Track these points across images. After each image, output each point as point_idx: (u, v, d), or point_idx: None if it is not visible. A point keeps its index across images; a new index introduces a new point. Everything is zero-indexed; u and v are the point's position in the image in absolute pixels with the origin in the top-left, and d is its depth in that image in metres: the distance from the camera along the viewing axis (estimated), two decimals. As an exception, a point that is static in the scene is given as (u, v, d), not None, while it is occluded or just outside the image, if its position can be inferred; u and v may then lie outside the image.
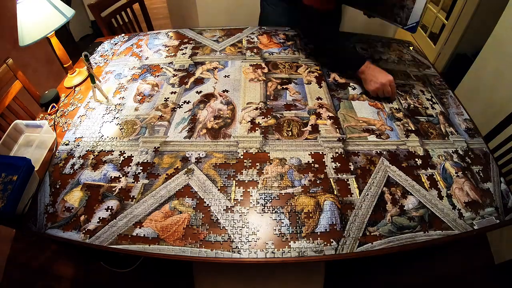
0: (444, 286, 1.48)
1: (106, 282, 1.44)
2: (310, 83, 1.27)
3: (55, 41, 1.23)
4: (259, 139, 1.04)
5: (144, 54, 1.44)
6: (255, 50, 1.44)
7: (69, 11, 1.20)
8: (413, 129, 1.10)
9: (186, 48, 1.47)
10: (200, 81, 1.27)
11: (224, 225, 0.83)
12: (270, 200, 0.88)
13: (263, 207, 0.86)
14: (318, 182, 0.92)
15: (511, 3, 1.52)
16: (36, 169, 0.91)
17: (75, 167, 0.97)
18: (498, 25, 1.62)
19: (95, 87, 1.17)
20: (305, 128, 1.08)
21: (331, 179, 0.93)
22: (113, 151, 1.01)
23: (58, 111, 1.18)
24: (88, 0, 2.90)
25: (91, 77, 1.14)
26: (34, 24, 1.10)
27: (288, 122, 1.10)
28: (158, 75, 1.31)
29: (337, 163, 0.97)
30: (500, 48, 1.60)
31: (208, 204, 0.87)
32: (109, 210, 0.86)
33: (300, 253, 0.78)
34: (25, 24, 1.09)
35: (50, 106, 1.18)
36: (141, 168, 0.96)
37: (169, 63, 1.37)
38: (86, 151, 1.02)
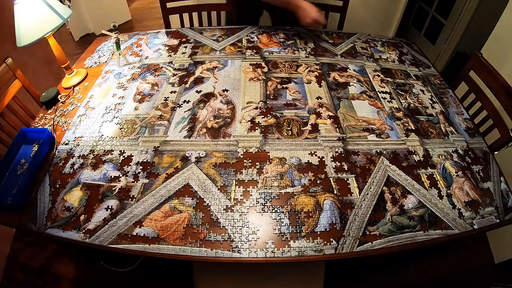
0: (444, 286, 1.48)
1: (106, 282, 1.44)
2: (310, 83, 1.27)
3: (52, 42, 1.22)
4: (259, 138, 1.04)
5: (144, 53, 1.44)
6: (255, 50, 1.44)
7: (66, 12, 1.18)
8: (413, 128, 1.10)
9: (186, 47, 1.47)
10: (200, 80, 1.27)
11: (224, 225, 0.83)
12: (270, 200, 0.88)
13: (263, 207, 0.86)
14: (318, 181, 0.92)
15: (511, 3, 1.52)
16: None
17: (75, 166, 0.97)
18: (498, 25, 1.61)
19: (120, 54, 1.34)
20: (305, 128, 1.08)
21: (331, 179, 0.93)
22: (113, 151, 1.01)
23: (58, 111, 1.17)
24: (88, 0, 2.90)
25: (117, 45, 1.32)
26: (31, 25, 1.09)
27: (288, 121, 1.10)
28: (158, 75, 1.31)
29: (336, 162, 0.97)
30: (500, 48, 1.60)
31: (208, 204, 0.87)
32: (109, 210, 0.86)
33: (300, 253, 0.78)
34: (22, 25, 1.08)
35: (59, 96, 1.22)
36: (141, 167, 0.96)
37: (169, 63, 1.37)
38: (86, 150, 1.02)
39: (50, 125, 1.11)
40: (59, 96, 1.22)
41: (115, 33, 1.29)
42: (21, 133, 1.03)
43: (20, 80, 1.20)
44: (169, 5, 1.66)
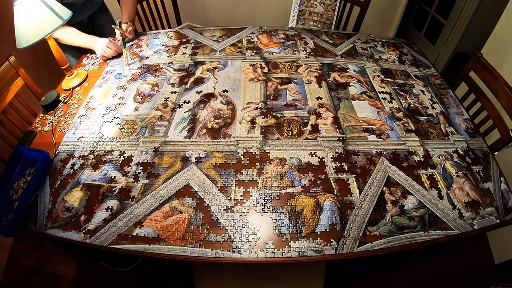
0: (444, 286, 1.48)
1: (106, 282, 1.44)
2: (310, 83, 1.27)
3: (52, 43, 1.22)
4: (259, 139, 1.04)
5: (144, 54, 1.44)
6: (255, 50, 1.44)
7: (66, 13, 1.18)
8: (413, 129, 1.10)
9: (186, 47, 1.47)
10: (200, 81, 1.27)
11: (224, 225, 0.83)
12: (270, 200, 0.88)
13: (263, 207, 0.86)
14: (318, 182, 0.92)
15: (511, 4, 1.52)
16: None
17: (75, 167, 0.97)
18: (498, 25, 1.62)
19: (126, 51, 1.36)
20: (305, 128, 1.08)
21: (331, 179, 0.93)
22: (113, 151, 1.01)
23: (58, 112, 1.17)
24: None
25: (123, 43, 1.34)
26: (31, 27, 1.08)
27: (288, 122, 1.10)
28: (158, 75, 1.31)
29: (336, 162, 0.97)
30: (500, 48, 1.60)
31: (208, 204, 0.87)
32: (109, 210, 0.86)
33: (300, 253, 0.78)
34: (21, 27, 1.08)
35: (61, 98, 1.21)
36: (141, 168, 0.96)
37: (169, 63, 1.37)
38: (86, 151, 1.02)
39: (49, 125, 1.11)
40: (60, 97, 1.21)
41: (121, 29, 1.31)
42: (18, 153, 0.94)
43: (23, 78, 1.21)
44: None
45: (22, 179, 0.91)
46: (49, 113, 1.18)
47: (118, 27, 1.31)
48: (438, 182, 0.95)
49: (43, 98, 1.21)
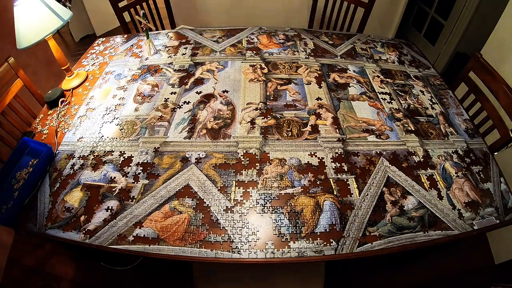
0: (444, 286, 1.47)
1: (106, 282, 1.44)
2: (310, 83, 1.27)
3: (52, 44, 1.22)
4: (259, 139, 1.04)
5: (144, 54, 1.44)
6: (255, 51, 1.44)
7: (66, 14, 1.18)
8: (413, 129, 1.10)
9: (186, 48, 1.47)
10: (200, 81, 1.27)
11: (224, 225, 0.83)
12: (270, 200, 0.88)
13: (262, 208, 0.86)
14: (318, 182, 0.92)
15: (510, 4, 1.53)
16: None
17: (75, 167, 0.97)
18: (498, 25, 1.62)
19: (149, 43, 1.38)
20: (305, 129, 1.08)
21: (330, 179, 0.93)
22: (113, 152, 1.01)
23: (59, 110, 1.17)
24: (88, 0, 2.91)
25: (147, 33, 1.36)
26: (31, 27, 1.09)
27: (288, 122, 1.10)
28: (158, 76, 1.31)
29: (336, 163, 0.97)
30: (500, 49, 1.60)
31: (208, 205, 0.87)
32: (109, 211, 0.86)
33: (300, 253, 0.78)
34: (21, 27, 1.08)
35: (60, 101, 1.19)
36: (141, 168, 0.96)
37: (169, 64, 1.37)
38: (86, 151, 1.02)
39: (52, 125, 1.11)
40: (60, 100, 1.21)
41: (145, 20, 1.31)
42: (23, 143, 0.97)
43: (22, 79, 1.21)
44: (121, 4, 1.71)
45: (24, 170, 0.92)
46: (49, 112, 1.18)
47: (142, 18, 1.32)
48: (437, 183, 0.95)
49: (48, 93, 1.21)
